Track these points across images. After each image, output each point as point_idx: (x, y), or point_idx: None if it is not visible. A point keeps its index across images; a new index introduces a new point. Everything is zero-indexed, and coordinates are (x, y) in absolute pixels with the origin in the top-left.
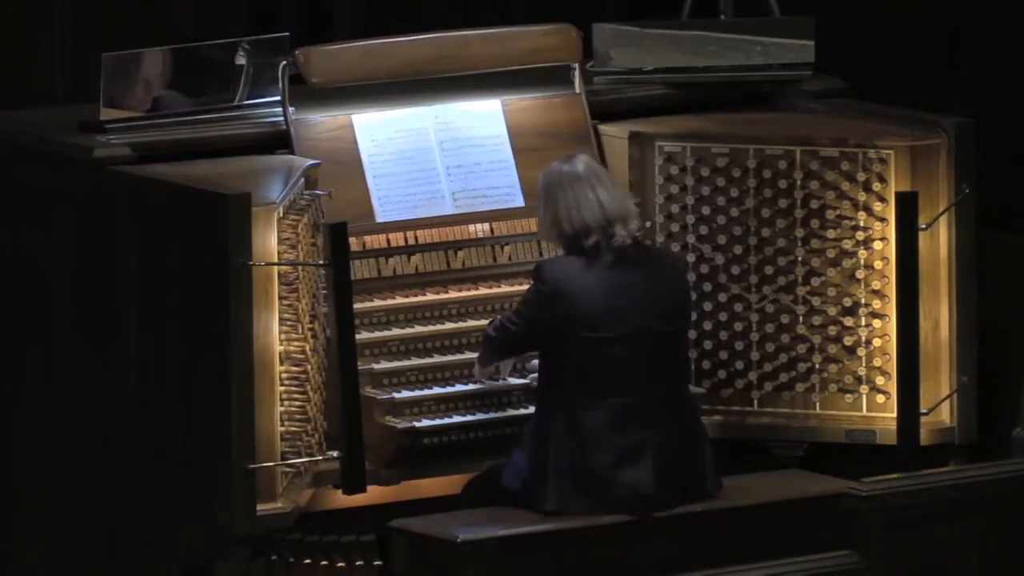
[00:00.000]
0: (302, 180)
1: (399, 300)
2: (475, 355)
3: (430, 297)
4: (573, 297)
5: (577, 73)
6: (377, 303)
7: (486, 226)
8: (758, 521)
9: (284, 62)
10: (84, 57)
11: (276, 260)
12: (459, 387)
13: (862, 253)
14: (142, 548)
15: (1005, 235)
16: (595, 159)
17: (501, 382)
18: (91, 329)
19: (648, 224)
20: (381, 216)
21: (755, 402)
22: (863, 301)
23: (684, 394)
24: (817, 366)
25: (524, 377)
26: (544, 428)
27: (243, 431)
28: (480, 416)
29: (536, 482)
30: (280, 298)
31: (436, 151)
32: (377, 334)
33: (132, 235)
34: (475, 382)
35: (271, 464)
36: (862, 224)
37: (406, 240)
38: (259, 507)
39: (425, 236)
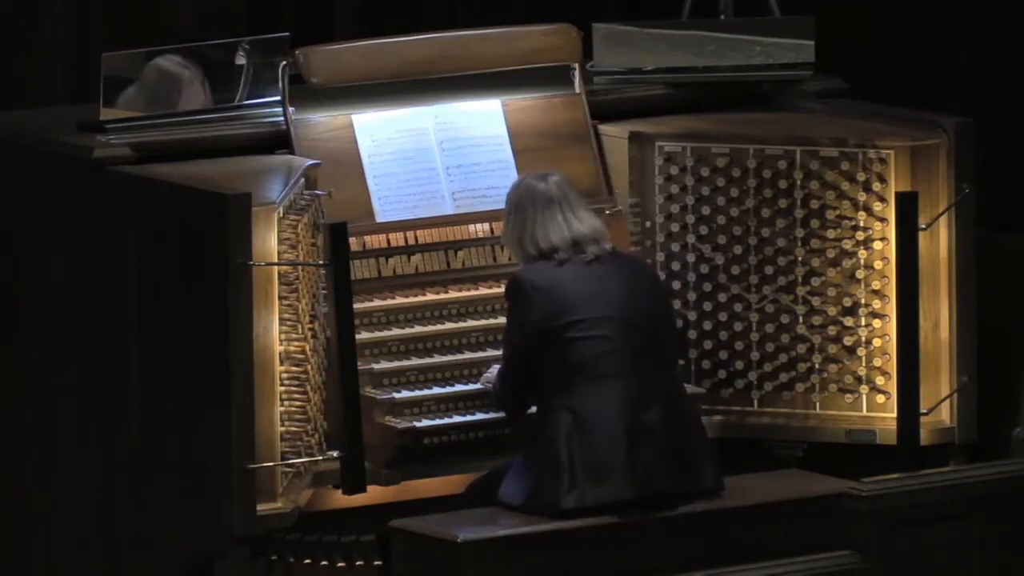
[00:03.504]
0: (302, 180)
1: (399, 300)
2: (475, 355)
3: (430, 297)
4: (550, 291)
5: (577, 73)
6: (377, 303)
7: (486, 226)
8: (758, 521)
9: (284, 62)
10: (84, 57)
11: (276, 260)
12: (459, 387)
13: (862, 253)
14: (142, 548)
15: (1005, 235)
16: (566, 178)
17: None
18: (91, 329)
19: (648, 224)
20: (381, 216)
21: (755, 402)
22: (863, 301)
23: (674, 381)
24: (817, 366)
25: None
26: (547, 430)
27: (243, 431)
28: (480, 416)
29: (547, 485)
30: (280, 298)
31: (436, 151)
32: (377, 334)
33: (132, 235)
34: (475, 382)
35: (271, 464)
36: (862, 224)
37: (406, 240)
38: (259, 507)
39: (425, 236)
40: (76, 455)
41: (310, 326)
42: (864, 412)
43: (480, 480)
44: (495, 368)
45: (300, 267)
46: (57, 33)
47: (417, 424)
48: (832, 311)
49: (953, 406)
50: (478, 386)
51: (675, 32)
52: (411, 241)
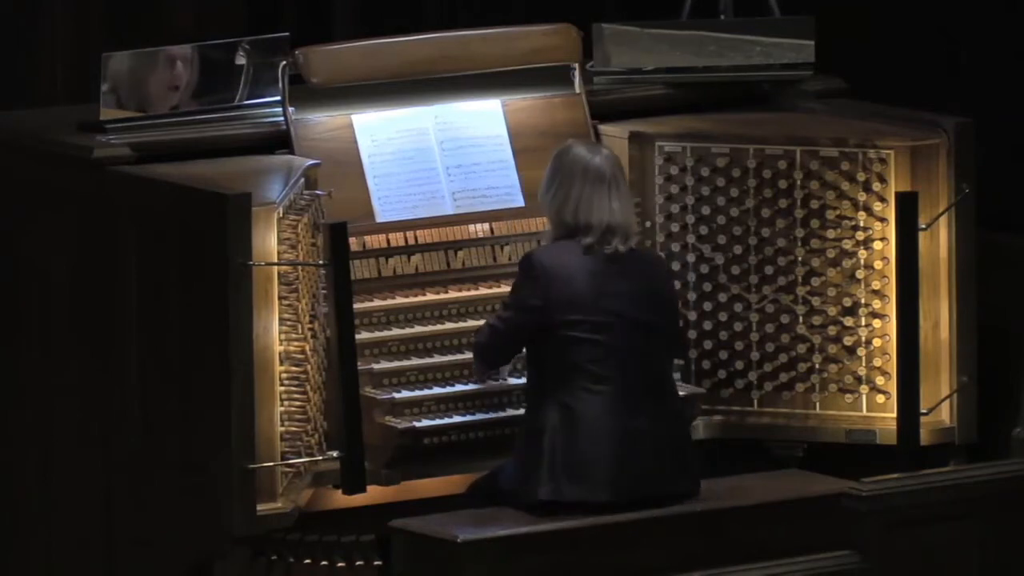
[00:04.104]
0: (302, 180)
1: (399, 300)
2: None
3: (430, 297)
4: (561, 281)
5: (577, 73)
6: (377, 303)
7: (486, 226)
8: (758, 521)
9: (284, 62)
10: (84, 57)
11: (276, 260)
12: (459, 387)
13: (862, 253)
14: (142, 548)
15: (1005, 235)
16: (615, 156)
17: (501, 382)
18: (91, 329)
19: (648, 224)
20: (381, 216)
21: (755, 402)
22: (863, 301)
23: (669, 387)
24: (817, 366)
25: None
26: (537, 421)
27: (243, 431)
28: (480, 416)
29: (530, 475)
30: (280, 298)
31: (436, 151)
32: (377, 334)
33: (132, 235)
34: (475, 382)
35: (271, 464)
36: (862, 224)
37: (406, 240)
38: (259, 507)
39: (425, 236)
40: (76, 455)
41: (310, 326)
42: (864, 412)
43: (483, 480)
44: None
45: (300, 267)
46: (57, 33)
47: (417, 424)
48: (832, 311)
49: (953, 406)
50: (478, 386)
51: (675, 32)
52: (411, 241)
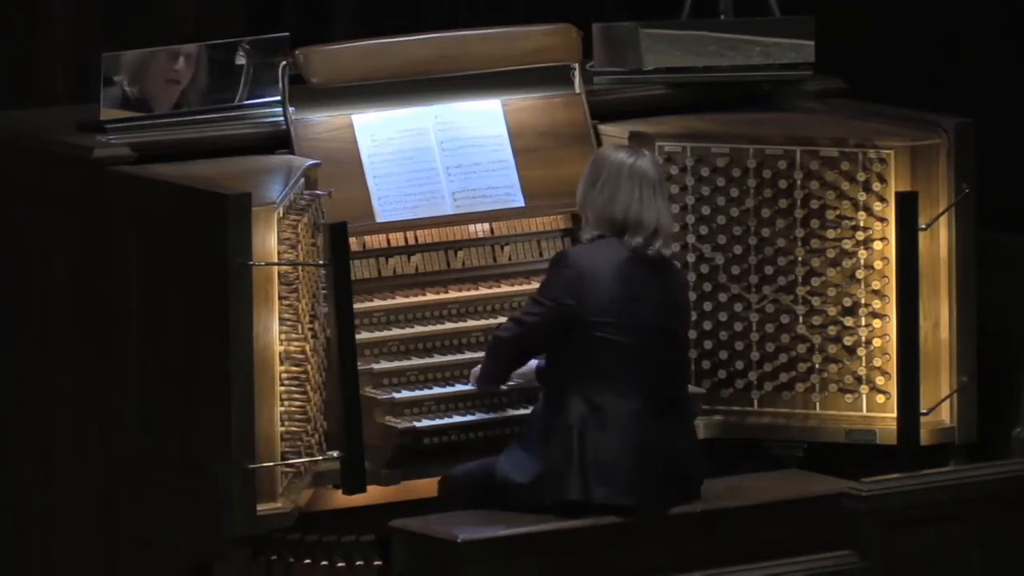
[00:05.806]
0: (302, 180)
1: (399, 300)
2: (475, 355)
3: (430, 297)
4: (593, 282)
5: (577, 73)
6: (377, 303)
7: (486, 226)
8: (758, 521)
9: (284, 62)
10: (84, 57)
11: (276, 260)
12: (459, 387)
13: (862, 253)
14: (142, 548)
15: (1005, 235)
16: (656, 160)
17: (504, 388)
18: (91, 329)
19: None
20: (381, 216)
21: (755, 402)
22: (863, 301)
23: (686, 393)
24: (817, 366)
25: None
26: (562, 419)
27: (243, 431)
28: (480, 416)
29: (556, 473)
30: (280, 298)
31: (436, 151)
32: (377, 334)
33: (132, 235)
34: (474, 385)
35: (271, 464)
36: (862, 224)
37: (406, 240)
38: (259, 507)
39: (425, 236)
40: (76, 455)
41: (310, 326)
42: (864, 412)
43: (462, 477)
44: (479, 368)
45: (300, 267)
46: (57, 33)
47: (417, 424)
48: (832, 311)
49: (953, 406)
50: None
51: (675, 32)
52: (411, 241)
